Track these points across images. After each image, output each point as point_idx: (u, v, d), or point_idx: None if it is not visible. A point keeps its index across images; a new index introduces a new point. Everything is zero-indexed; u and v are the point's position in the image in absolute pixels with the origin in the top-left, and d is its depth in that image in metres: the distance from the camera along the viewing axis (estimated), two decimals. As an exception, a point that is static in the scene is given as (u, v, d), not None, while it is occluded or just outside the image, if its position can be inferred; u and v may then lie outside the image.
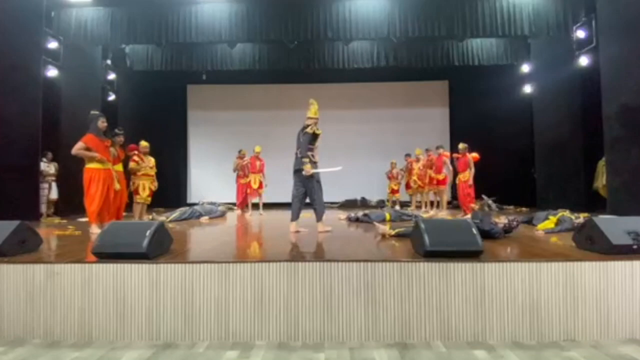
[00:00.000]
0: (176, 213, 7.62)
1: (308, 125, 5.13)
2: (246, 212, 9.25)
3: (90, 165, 5.28)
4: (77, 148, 5.19)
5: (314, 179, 5.13)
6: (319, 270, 3.00)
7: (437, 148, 9.49)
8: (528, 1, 8.48)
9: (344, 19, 8.69)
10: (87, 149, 5.21)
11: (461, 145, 8.12)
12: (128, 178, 6.63)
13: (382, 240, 4.45)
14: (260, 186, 9.25)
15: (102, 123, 5.37)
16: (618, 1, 6.91)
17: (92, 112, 5.70)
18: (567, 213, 5.21)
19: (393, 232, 4.69)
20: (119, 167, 6.10)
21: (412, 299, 2.95)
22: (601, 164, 8.11)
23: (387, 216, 6.79)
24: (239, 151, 9.70)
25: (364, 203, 12.18)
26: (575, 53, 8.68)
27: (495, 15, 8.54)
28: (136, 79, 11.65)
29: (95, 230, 5.09)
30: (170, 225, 6.20)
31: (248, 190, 9.29)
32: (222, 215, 8.38)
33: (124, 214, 6.21)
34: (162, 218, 7.12)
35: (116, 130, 6.26)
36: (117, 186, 5.55)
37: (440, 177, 9.38)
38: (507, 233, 4.60)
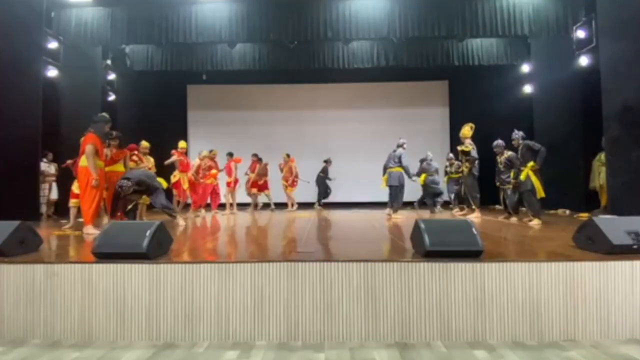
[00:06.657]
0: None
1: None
2: (192, 214, 8.79)
3: (85, 164, 5.28)
4: (89, 153, 5.20)
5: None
6: (319, 270, 3.00)
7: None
8: (528, 1, 8.48)
9: (344, 19, 8.68)
10: (96, 150, 5.26)
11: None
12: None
13: None
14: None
15: (108, 128, 5.52)
16: (618, 1, 6.90)
17: (103, 114, 5.79)
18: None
19: None
20: (120, 167, 6.12)
21: (412, 299, 2.95)
22: (596, 164, 8.08)
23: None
24: (210, 151, 9.44)
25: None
26: (575, 53, 8.67)
27: (495, 15, 8.54)
28: (136, 79, 11.62)
29: (90, 230, 5.08)
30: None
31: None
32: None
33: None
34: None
35: (114, 133, 6.30)
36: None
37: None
38: None
